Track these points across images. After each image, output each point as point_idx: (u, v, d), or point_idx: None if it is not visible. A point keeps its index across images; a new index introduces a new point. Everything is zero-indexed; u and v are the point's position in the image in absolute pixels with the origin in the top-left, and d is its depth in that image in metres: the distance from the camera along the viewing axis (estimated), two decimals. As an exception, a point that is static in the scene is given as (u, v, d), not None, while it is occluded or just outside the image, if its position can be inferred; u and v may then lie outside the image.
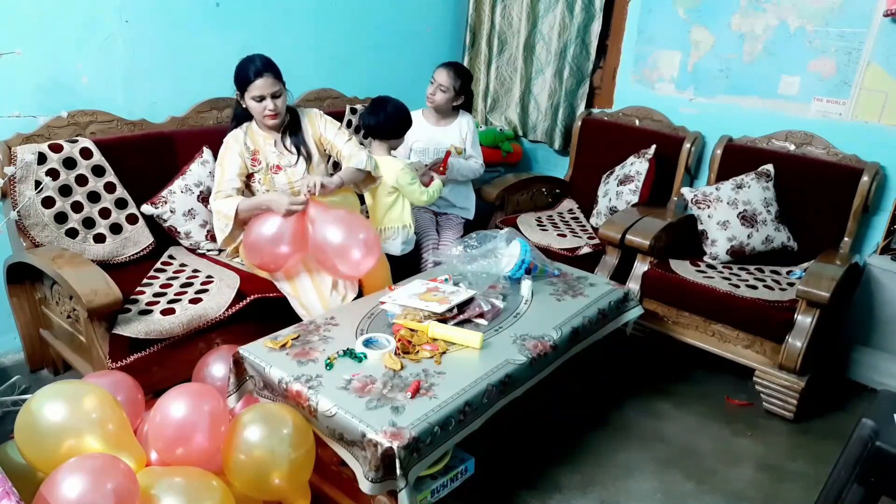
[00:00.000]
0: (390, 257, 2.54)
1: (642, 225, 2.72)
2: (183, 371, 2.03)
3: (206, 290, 2.21)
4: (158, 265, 2.40)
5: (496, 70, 3.76)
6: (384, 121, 2.61)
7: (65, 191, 2.25)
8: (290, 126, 2.43)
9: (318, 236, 2.17)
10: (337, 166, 2.63)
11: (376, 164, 2.54)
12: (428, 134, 3.00)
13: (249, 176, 2.38)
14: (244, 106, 2.32)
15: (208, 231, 2.53)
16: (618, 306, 2.30)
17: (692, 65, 3.16)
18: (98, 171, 2.32)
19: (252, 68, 2.24)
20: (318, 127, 2.49)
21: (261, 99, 2.26)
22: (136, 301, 2.10)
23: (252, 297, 2.24)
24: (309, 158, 2.45)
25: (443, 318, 1.96)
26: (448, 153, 2.82)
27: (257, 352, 1.79)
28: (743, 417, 2.45)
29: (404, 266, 2.67)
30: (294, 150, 2.42)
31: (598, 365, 2.49)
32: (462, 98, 2.96)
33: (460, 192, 3.09)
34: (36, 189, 2.17)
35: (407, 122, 2.66)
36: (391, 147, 2.69)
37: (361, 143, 2.64)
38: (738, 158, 2.94)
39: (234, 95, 2.35)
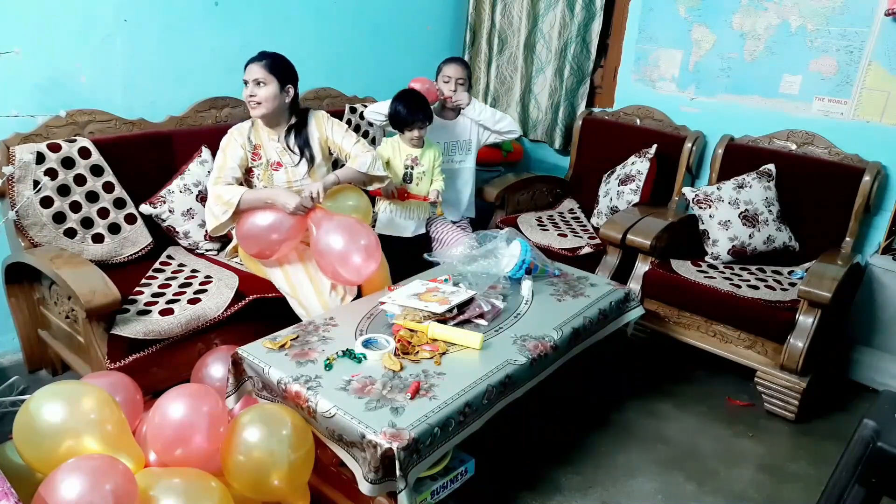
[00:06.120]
0: (393, 255, 2.52)
1: (643, 225, 2.72)
2: (182, 371, 2.03)
3: (204, 291, 2.21)
4: (157, 265, 2.40)
5: (496, 69, 3.75)
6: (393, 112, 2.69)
7: (63, 190, 2.24)
8: (296, 126, 2.42)
9: (321, 243, 2.16)
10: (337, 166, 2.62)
11: (387, 163, 2.61)
12: (444, 133, 2.94)
13: (248, 171, 2.37)
14: None
15: (207, 231, 2.52)
16: (619, 307, 2.29)
17: (693, 64, 3.15)
18: (96, 170, 2.31)
19: (251, 57, 2.29)
20: (325, 129, 2.48)
21: (246, 84, 2.29)
22: (134, 301, 2.09)
23: (251, 297, 2.23)
24: (311, 161, 2.44)
25: (443, 319, 1.96)
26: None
27: (256, 352, 1.78)
28: (744, 418, 2.44)
29: (406, 264, 2.64)
30: (297, 150, 2.41)
31: (599, 366, 2.48)
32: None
33: (457, 191, 3.00)
34: (34, 189, 2.16)
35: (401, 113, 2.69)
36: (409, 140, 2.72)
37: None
38: (740, 158, 2.93)
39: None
